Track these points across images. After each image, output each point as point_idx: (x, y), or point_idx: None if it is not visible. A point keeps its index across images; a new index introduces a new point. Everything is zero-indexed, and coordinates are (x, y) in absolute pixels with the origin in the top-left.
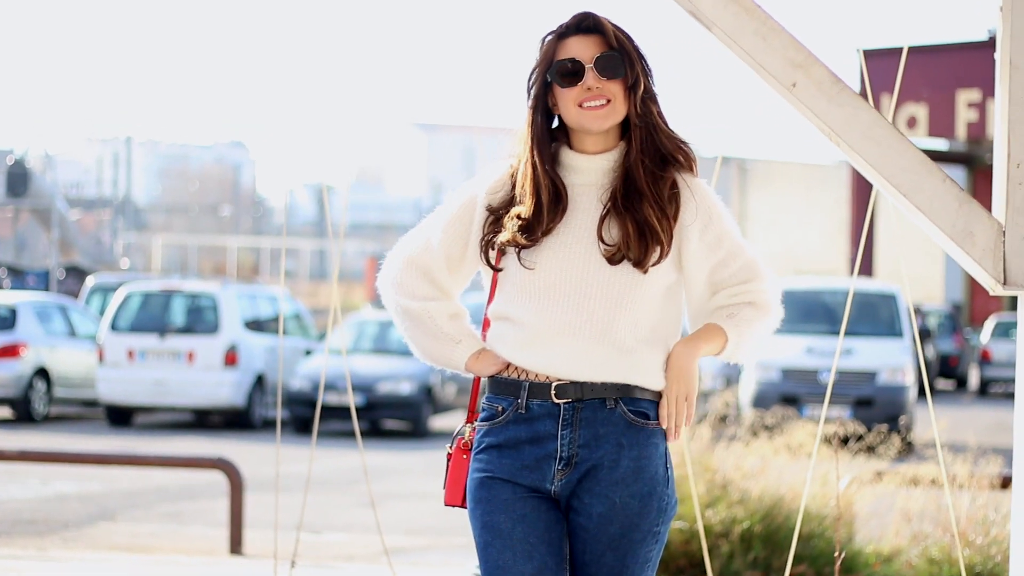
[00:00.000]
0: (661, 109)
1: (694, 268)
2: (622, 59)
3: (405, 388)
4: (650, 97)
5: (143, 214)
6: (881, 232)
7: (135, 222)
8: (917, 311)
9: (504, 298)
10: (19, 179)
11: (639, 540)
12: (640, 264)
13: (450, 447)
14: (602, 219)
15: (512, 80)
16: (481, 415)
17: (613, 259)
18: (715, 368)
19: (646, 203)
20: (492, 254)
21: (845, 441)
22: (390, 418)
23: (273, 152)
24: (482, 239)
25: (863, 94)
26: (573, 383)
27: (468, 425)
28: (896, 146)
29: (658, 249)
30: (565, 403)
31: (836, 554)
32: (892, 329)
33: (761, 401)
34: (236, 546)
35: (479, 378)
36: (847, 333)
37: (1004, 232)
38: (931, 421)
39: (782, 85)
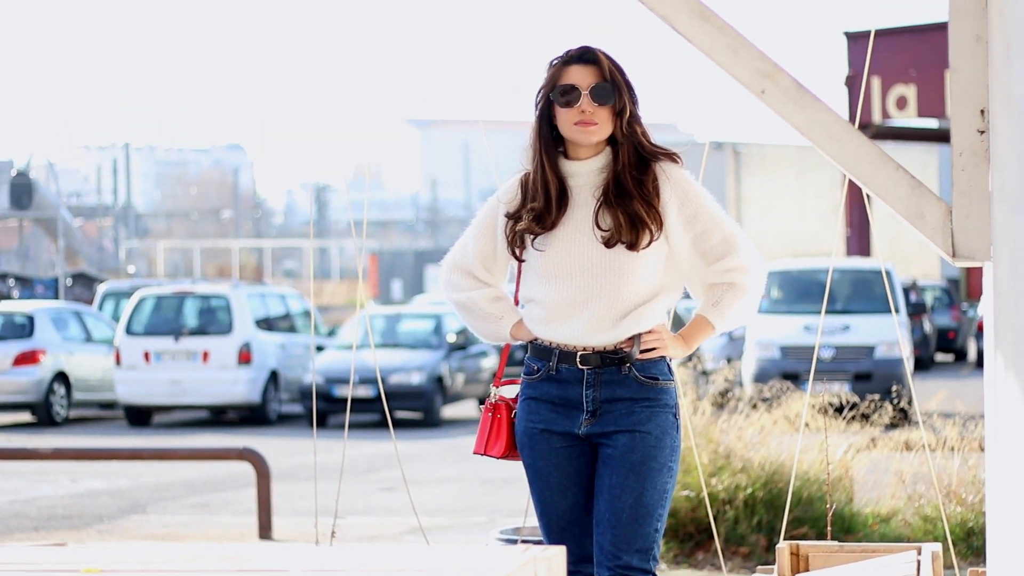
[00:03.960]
0: (644, 128)
1: (677, 239)
2: (612, 90)
3: (416, 379)
4: (635, 120)
5: (144, 220)
6: (876, 212)
7: (136, 228)
8: (914, 287)
9: (527, 284)
10: (23, 190)
11: (657, 469)
12: (633, 247)
13: (483, 406)
14: (596, 210)
15: (503, 75)
16: (524, 370)
17: (608, 243)
18: (717, 348)
19: (635, 201)
20: (517, 250)
21: (840, 410)
22: (402, 409)
23: (271, 154)
24: (507, 236)
25: (851, 76)
26: (595, 352)
27: (494, 388)
28: (853, 141)
29: (648, 234)
30: (588, 369)
31: (828, 506)
32: (888, 305)
33: (762, 378)
34: (265, 532)
35: (508, 348)
36: (844, 311)
37: (951, 212)
38: (925, 391)
39: (752, 92)
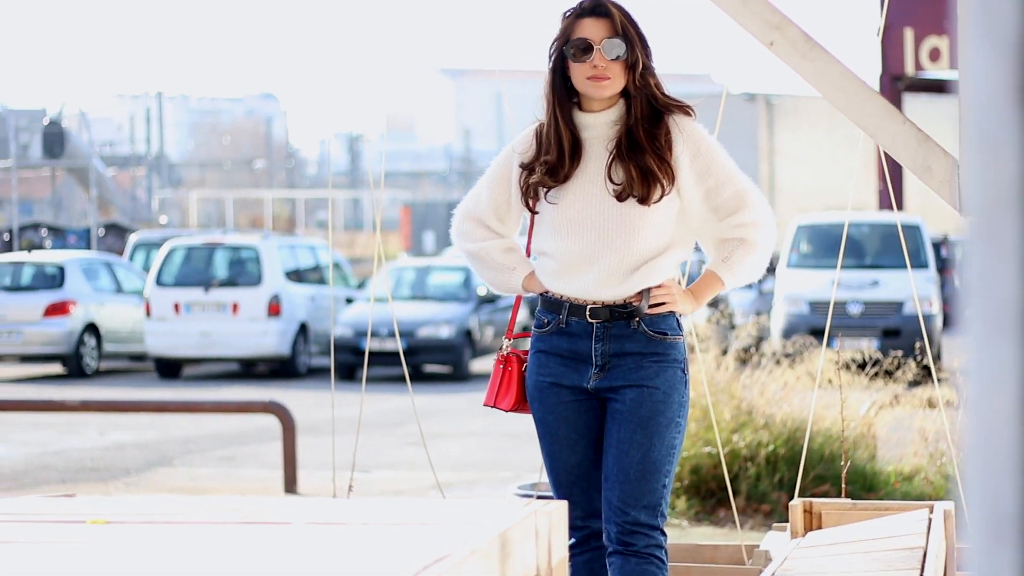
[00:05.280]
0: (658, 80)
1: (688, 193)
2: (625, 43)
3: (445, 332)
4: (648, 72)
5: (177, 170)
6: None
7: (169, 178)
8: (944, 242)
9: (540, 236)
10: (56, 139)
11: (664, 425)
12: (644, 201)
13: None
14: (608, 164)
15: (535, 24)
16: (535, 323)
17: (620, 196)
18: (746, 303)
19: (647, 154)
20: (530, 202)
21: (863, 367)
22: (431, 362)
23: (304, 103)
24: (521, 187)
25: (884, 27)
26: (605, 306)
27: (507, 340)
28: (861, 94)
29: (659, 188)
30: (598, 323)
31: (843, 463)
32: (917, 260)
33: (790, 333)
34: (290, 485)
35: (519, 300)
36: (873, 266)
37: (958, 166)
38: (953, 349)
39: (762, 43)
